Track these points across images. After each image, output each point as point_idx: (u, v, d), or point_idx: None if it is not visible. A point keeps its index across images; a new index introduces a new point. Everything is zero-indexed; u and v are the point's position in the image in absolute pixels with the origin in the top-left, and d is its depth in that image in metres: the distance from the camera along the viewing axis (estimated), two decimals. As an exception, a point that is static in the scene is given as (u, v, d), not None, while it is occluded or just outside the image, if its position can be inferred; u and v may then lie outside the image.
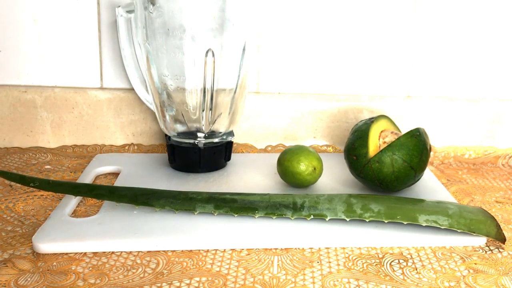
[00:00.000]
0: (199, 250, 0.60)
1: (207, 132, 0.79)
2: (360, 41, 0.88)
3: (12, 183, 0.76)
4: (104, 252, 0.60)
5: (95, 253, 0.59)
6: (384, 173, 0.70)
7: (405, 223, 0.62)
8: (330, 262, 0.58)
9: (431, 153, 0.85)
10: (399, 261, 0.59)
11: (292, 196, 0.66)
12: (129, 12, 0.81)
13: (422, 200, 0.66)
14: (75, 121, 0.90)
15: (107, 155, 0.87)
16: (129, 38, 0.83)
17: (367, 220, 0.63)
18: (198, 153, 0.79)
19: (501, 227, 0.63)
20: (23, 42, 0.89)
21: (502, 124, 0.89)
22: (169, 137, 0.81)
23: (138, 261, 0.58)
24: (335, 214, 0.64)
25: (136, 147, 0.91)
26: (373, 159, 0.70)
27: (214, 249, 0.60)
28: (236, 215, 0.65)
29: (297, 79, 0.90)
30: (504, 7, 0.87)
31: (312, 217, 0.64)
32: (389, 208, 0.63)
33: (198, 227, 0.63)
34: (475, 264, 0.58)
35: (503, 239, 0.61)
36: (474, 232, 0.61)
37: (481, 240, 0.62)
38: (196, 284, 0.54)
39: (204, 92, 0.76)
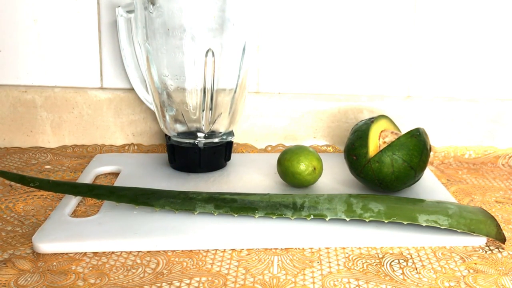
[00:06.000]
0: (199, 250, 0.60)
1: (207, 132, 0.79)
2: (360, 41, 0.88)
3: (12, 183, 0.76)
4: (104, 252, 0.60)
5: (95, 253, 0.59)
6: (384, 173, 0.70)
7: (405, 223, 0.62)
8: (330, 262, 0.58)
9: (431, 153, 0.85)
10: (399, 261, 0.59)
11: (292, 196, 0.66)
12: (129, 12, 0.81)
13: (422, 200, 0.66)
14: (75, 121, 0.90)
15: (107, 155, 0.87)
16: (129, 38, 0.83)
17: (367, 220, 0.63)
18: (198, 153, 0.79)
19: (501, 227, 0.62)
20: (23, 42, 0.89)
21: (502, 124, 0.89)
22: (169, 137, 0.81)
23: (138, 261, 0.58)
24: (335, 214, 0.64)
25: (136, 147, 0.91)
26: (373, 159, 0.70)
27: (214, 249, 0.60)
28: (236, 215, 0.65)
29: (297, 79, 0.90)
30: (504, 7, 0.87)
31: (312, 217, 0.64)
32: (389, 208, 0.63)
33: (198, 227, 0.63)
34: (475, 264, 0.58)
35: (503, 239, 0.61)
36: (474, 232, 0.61)
37: (481, 240, 0.62)
38: (196, 284, 0.54)
39: (204, 92, 0.76)
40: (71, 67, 0.90)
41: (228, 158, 0.82)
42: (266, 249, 0.61)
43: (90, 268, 0.57)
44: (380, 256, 0.60)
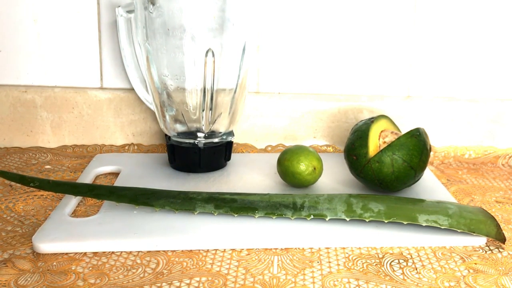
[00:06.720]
0: (199, 250, 0.60)
1: (207, 132, 0.79)
2: (360, 41, 0.88)
3: (12, 183, 0.76)
4: (104, 252, 0.60)
5: (95, 253, 0.59)
6: (384, 173, 0.70)
7: (405, 223, 0.62)
8: (330, 262, 0.58)
9: (431, 153, 0.85)
10: (399, 261, 0.59)
11: (292, 196, 0.66)
12: (129, 12, 0.81)
13: (422, 200, 0.66)
14: (75, 121, 0.90)
15: (107, 155, 0.87)
16: (129, 38, 0.83)
17: (367, 220, 0.63)
18: (198, 153, 0.79)
19: (501, 227, 0.62)
20: (23, 42, 0.89)
21: (502, 124, 0.89)
22: (169, 137, 0.81)
23: (138, 261, 0.58)
24: (335, 214, 0.64)
25: (136, 147, 0.91)
26: (373, 159, 0.70)
27: (214, 249, 0.60)
28: (236, 215, 0.65)
29: (297, 79, 0.90)
30: (504, 7, 0.87)
31: (312, 217, 0.64)
32: (389, 208, 0.63)
33: (198, 227, 0.63)
34: (475, 264, 0.58)
35: (503, 239, 0.61)
36: (474, 232, 0.61)
37: (481, 240, 0.62)
38: (196, 284, 0.54)
39: (204, 92, 0.76)
40: (71, 67, 0.90)
41: (228, 158, 0.82)
42: (266, 249, 0.61)
43: (90, 268, 0.57)
44: (380, 256, 0.60)
